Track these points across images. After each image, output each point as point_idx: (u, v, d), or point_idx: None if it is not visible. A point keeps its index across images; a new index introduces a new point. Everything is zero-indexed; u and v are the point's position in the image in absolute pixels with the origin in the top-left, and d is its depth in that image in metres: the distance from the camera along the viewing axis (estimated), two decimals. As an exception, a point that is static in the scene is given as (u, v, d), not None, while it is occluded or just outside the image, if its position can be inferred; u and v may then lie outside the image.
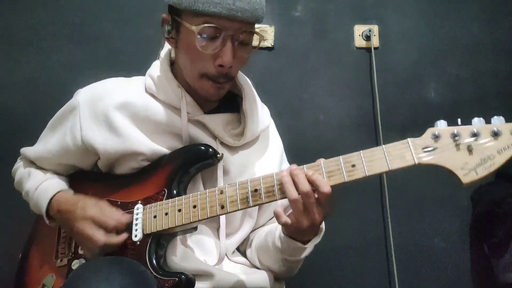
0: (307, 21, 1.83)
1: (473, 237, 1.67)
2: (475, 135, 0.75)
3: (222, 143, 1.06)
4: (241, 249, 1.13)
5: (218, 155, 1.00)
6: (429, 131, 0.78)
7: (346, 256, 1.66)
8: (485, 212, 1.57)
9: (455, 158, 0.75)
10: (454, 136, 0.76)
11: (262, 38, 1.00)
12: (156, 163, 1.02)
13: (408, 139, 0.79)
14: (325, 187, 0.80)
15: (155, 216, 0.94)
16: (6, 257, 1.41)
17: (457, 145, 0.76)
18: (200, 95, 1.03)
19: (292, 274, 1.05)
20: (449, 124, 0.78)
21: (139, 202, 0.99)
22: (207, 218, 0.91)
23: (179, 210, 0.92)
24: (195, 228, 0.96)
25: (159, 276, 0.88)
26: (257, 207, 1.08)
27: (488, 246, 1.58)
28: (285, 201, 0.85)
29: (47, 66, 1.70)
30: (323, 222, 0.92)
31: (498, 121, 0.75)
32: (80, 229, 0.95)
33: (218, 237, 1.04)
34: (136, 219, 0.96)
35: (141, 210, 0.97)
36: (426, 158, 0.77)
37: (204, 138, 1.04)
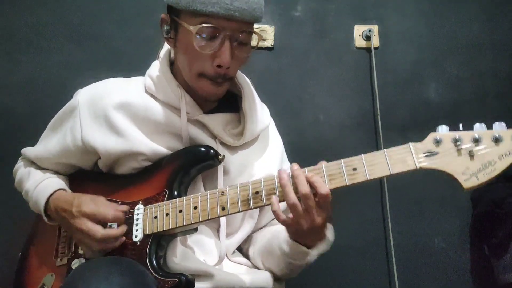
0: (307, 21, 1.83)
1: (473, 237, 1.67)
2: (476, 140, 0.75)
3: (222, 143, 1.06)
4: (244, 249, 1.13)
5: (219, 157, 1.00)
6: (431, 136, 0.79)
7: (346, 256, 1.66)
8: (485, 212, 1.57)
9: (456, 163, 0.76)
10: (456, 141, 0.76)
11: (260, 38, 1.00)
12: (157, 164, 1.02)
13: (410, 143, 0.79)
14: (324, 189, 0.80)
15: (155, 217, 0.94)
16: (6, 256, 1.41)
17: (459, 150, 0.76)
18: (199, 95, 1.03)
19: (293, 276, 1.05)
20: (450, 129, 0.79)
21: (140, 202, 0.99)
22: (208, 220, 0.91)
23: (180, 211, 0.93)
24: (196, 229, 0.96)
25: (159, 277, 0.88)
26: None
27: (488, 247, 1.58)
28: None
29: (47, 66, 1.70)
30: (331, 232, 0.92)
31: (499, 127, 0.75)
32: (78, 226, 0.95)
33: (218, 237, 1.04)
34: (137, 219, 0.96)
35: (141, 210, 0.97)
36: (428, 163, 0.78)
37: (203, 138, 1.04)
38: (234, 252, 1.10)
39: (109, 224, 0.95)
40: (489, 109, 1.78)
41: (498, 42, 1.83)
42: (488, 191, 1.57)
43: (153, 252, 0.92)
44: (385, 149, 0.80)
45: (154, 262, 0.91)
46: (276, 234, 1.02)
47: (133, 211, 0.98)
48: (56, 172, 1.13)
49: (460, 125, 0.78)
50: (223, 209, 0.89)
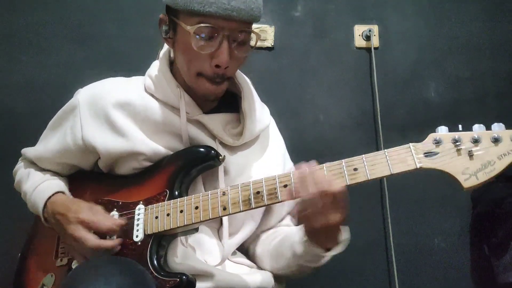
0: (307, 21, 1.83)
1: (473, 237, 1.67)
2: (476, 141, 0.77)
3: (221, 143, 1.06)
4: (248, 248, 1.13)
5: (220, 157, 1.00)
6: (431, 136, 0.80)
7: (346, 256, 1.65)
8: (485, 212, 1.57)
9: (456, 163, 0.77)
10: (455, 141, 0.78)
11: (259, 38, 1.00)
12: (158, 164, 1.02)
13: (410, 143, 0.80)
14: (337, 186, 0.80)
15: (156, 217, 0.95)
16: (6, 256, 1.41)
17: (458, 150, 0.77)
18: (198, 95, 1.03)
19: (302, 277, 1.05)
20: (449, 130, 0.80)
21: (141, 202, 0.99)
22: (209, 220, 0.92)
23: (181, 211, 0.93)
24: (197, 229, 0.96)
25: (160, 277, 0.88)
26: (262, 209, 1.08)
27: (488, 246, 1.58)
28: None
29: (47, 66, 1.69)
30: (347, 234, 0.92)
31: (498, 128, 0.77)
32: (71, 232, 0.94)
33: (218, 237, 1.04)
34: (138, 219, 0.96)
35: (142, 210, 0.97)
36: (428, 163, 0.79)
37: (203, 138, 1.04)
38: (234, 252, 1.09)
39: (108, 236, 0.95)
40: (488, 109, 1.78)
41: (498, 42, 1.83)
42: (488, 191, 1.57)
43: (154, 252, 0.93)
44: (385, 150, 0.81)
45: (155, 262, 0.91)
46: (289, 235, 1.01)
47: (134, 211, 0.98)
48: (56, 173, 1.13)
49: (460, 126, 0.79)
50: (224, 209, 0.90)
